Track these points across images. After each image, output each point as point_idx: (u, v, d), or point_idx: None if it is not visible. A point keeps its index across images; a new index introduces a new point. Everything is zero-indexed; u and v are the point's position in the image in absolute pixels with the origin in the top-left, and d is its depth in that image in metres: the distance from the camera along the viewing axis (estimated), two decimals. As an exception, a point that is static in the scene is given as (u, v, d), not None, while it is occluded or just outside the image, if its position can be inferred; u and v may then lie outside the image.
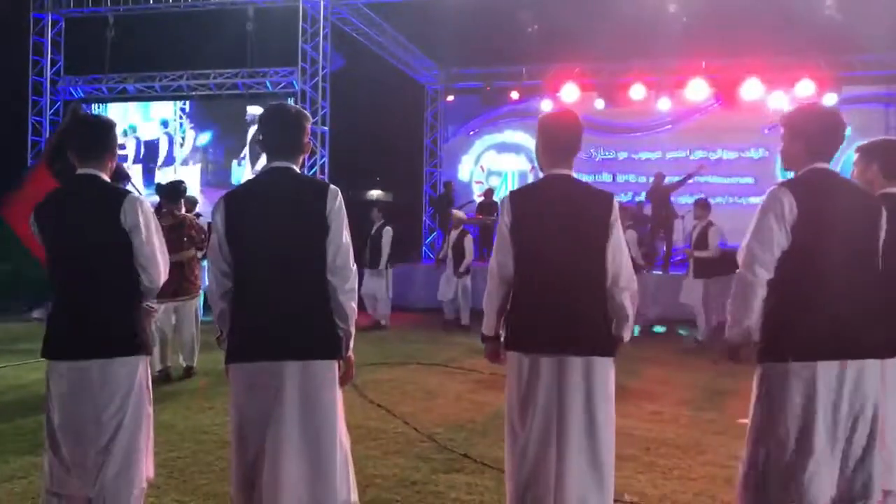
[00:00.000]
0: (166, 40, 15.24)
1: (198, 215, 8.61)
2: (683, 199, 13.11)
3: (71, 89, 15.47)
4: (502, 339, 3.21)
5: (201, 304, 7.53)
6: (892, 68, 13.95)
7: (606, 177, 15.89)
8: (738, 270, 2.96)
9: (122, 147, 14.82)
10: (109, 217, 2.99)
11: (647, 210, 13.45)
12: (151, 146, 15.62)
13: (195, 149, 15.39)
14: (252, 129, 14.63)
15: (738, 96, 13.89)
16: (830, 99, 13.12)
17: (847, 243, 2.84)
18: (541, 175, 3.24)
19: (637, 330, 8.84)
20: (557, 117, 3.34)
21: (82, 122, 3.37)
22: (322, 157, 13.83)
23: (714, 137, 15.19)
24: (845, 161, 4.58)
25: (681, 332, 10.53)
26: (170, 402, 6.10)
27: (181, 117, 15.47)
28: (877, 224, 2.92)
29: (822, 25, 11.64)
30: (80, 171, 3.10)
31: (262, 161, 3.17)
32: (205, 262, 5.98)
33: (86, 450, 2.95)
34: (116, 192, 3.08)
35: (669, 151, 15.56)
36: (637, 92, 14.28)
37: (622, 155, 16.00)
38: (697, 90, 14.09)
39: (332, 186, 2.96)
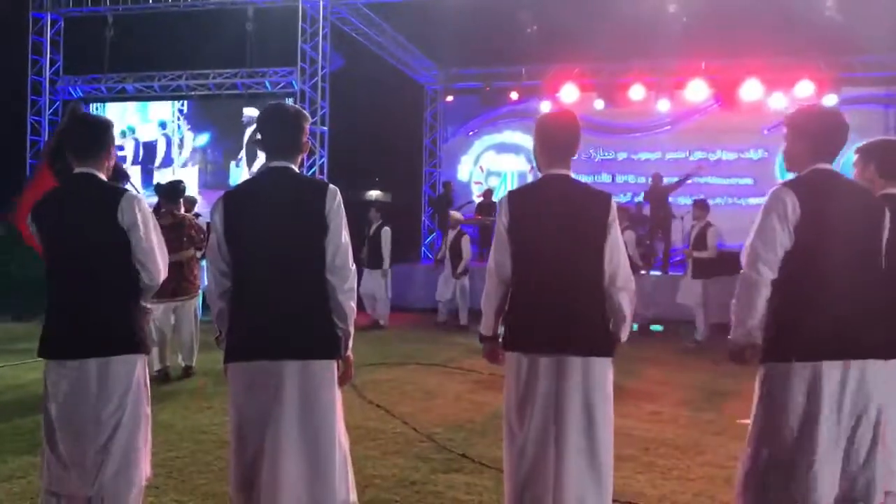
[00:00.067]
0: (165, 40, 15.25)
1: (196, 215, 8.61)
2: (683, 200, 13.11)
3: (70, 89, 15.47)
4: (501, 339, 3.21)
5: (200, 303, 7.52)
6: (892, 69, 13.94)
7: (606, 177, 15.88)
8: (741, 271, 2.96)
9: (121, 148, 14.83)
10: (107, 215, 2.99)
11: (647, 211, 13.46)
12: (150, 147, 15.64)
13: (193, 150, 15.40)
14: (248, 131, 14.65)
15: (738, 97, 13.89)
16: (830, 100, 13.11)
17: (850, 243, 2.85)
18: (539, 175, 3.24)
19: (636, 326, 8.83)
20: (555, 117, 3.34)
21: (78, 122, 3.37)
22: (321, 157, 13.83)
23: (713, 138, 15.18)
24: (844, 162, 4.57)
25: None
26: (169, 402, 6.09)
27: (179, 119, 15.48)
28: (880, 224, 2.92)
29: (822, 26, 11.64)
30: (78, 170, 3.10)
31: (259, 162, 3.17)
32: (204, 262, 5.98)
33: (84, 449, 2.94)
34: (113, 191, 3.08)
35: (669, 152, 15.55)
36: (636, 92, 14.28)
37: (622, 155, 15.99)
38: (697, 91, 14.10)
39: (331, 186, 2.96)
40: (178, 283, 7.09)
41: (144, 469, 3.10)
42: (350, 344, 3.02)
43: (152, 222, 3.11)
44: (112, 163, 3.22)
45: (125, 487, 2.99)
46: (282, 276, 2.89)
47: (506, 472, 3.13)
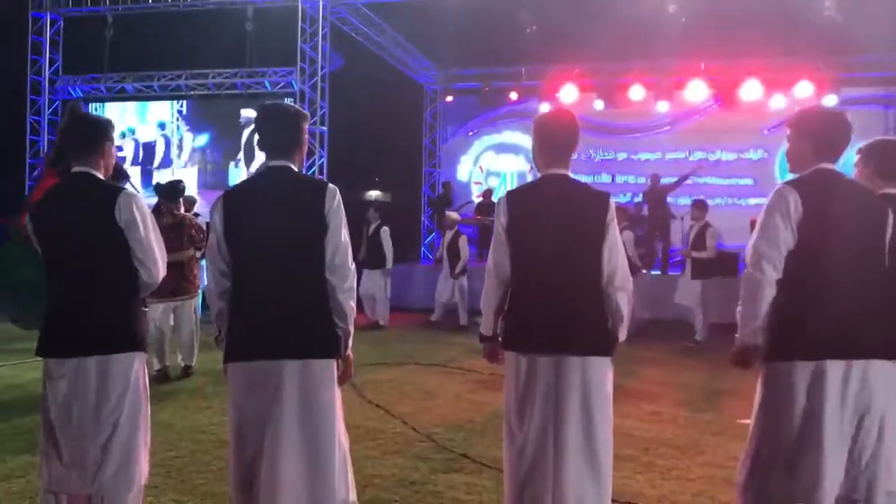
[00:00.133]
0: (165, 40, 15.26)
1: (196, 215, 8.61)
2: (683, 200, 13.12)
3: (69, 89, 15.47)
4: (500, 338, 3.21)
5: (200, 303, 7.52)
6: (892, 70, 13.95)
7: (605, 177, 15.89)
8: (745, 271, 2.96)
9: (120, 149, 14.84)
10: (104, 213, 2.98)
11: (646, 211, 13.46)
12: (149, 148, 15.65)
13: (192, 150, 15.41)
14: (246, 132, 14.66)
15: (738, 97, 13.90)
16: (830, 100, 13.12)
17: (852, 243, 2.85)
18: (538, 175, 3.24)
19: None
20: (554, 117, 3.33)
21: (76, 121, 3.37)
22: (321, 157, 13.83)
23: (713, 138, 15.19)
24: (845, 163, 4.57)
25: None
26: (168, 402, 6.09)
27: (178, 119, 15.49)
28: (883, 225, 2.93)
29: (822, 27, 11.65)
30: (75, 169, 3.10)
31: (257, 163, 3.17)
32: (204, 262, 5.97)
33: (84, 448, 2.94)
34: (110, 189, 3.08)
35: (669, 152, 15.56)
36: (636, 93, 14.29)
37: (621, 156, 16.00)
38: (696, 91, 14.11)
39: (330, 185, 2.96)
40: (179, 283, 7.09)
41: (144, 468, 3.09)
42: (350, 343, 3.01)
43: (150, 220, 3.10)
44: (111, 162, 3.22)
45: (125, 486, 2.98)
46: (281, 276, 2.89)
47: (505, 472, 3.13)
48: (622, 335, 3.13)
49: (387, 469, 4.50)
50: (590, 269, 3.04)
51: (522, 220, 3.09)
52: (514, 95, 15.68)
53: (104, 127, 3.21)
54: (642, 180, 14.78)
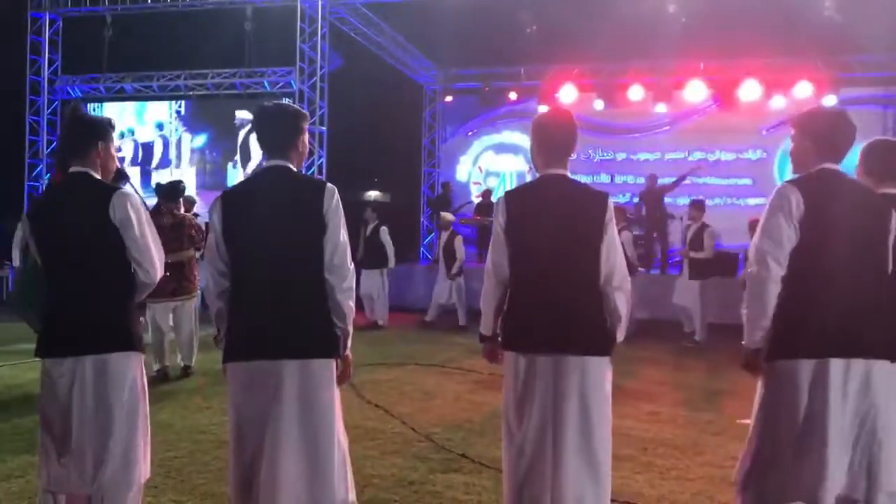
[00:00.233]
0: (164, 40, 15.26)
1: (195, 215, 8.60)
2: (682, 201, 13.12)
3: (68, 89, 15.47)
4: (499, 338, 3.21)
5: (199, 303, 7.51)
6: (891, 70, 13.95)
7: (605, 177, 15.90)
8: (749, 271, 2.96)
9: (119, 149, 14.84)
10: (99, 213, 2.98)
11: (644, 211, 13.47)
12: (148, 148, 15.66)
13: (191, 151, 15.40)
14: (242, 133, 14.67)
15: (737, 97, 13.90)
16: (829, 100, 13.11)
17: (854, 242, 2.86)
18: (536, 175, 3.24)
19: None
20: (552, 117, 3.32)
21: (72, 121, 3.37)
22: (320, 157, 13.82)
23: (712, 138, 15.20)
24: (846, 164, 4.58)
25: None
26: (167, 402, 6.09)
27: (176, 120, 15.49)
28: (887, 225, 2.93)
29: (821, 27, 11.65)
30: (72, 169, 3.10)
31: (253, 164, 3.17)
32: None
33: (82, 448, 2.94)
34: (105, 188, 3.07)
35: (668, 152, 15.57)
36: (635, 93, 14.29)
37: (620, 156, 16.01)
38: (696, 91, 14.11)
39: (328, 185, 2.96)
40: (179, 283, 7.10)
41: (143, 468, 3.09)
42: (349, 343, 3.01)
43: (146, 220, 3.09)
44: (111, 163, 3.20)
45: (125, 486, 2.98)
46: (280, 276, 2.89)
47: (504, 472, 3.13)
48: (620, 335, 3.13)
49: (386, 469, 4.50)
50: (589, 269, 3.03)
51: (521, 220, 3.09)
52: (513, 95, 15.68)
53: (101, 127, 3.19)
54: (641, 180, 14.76)
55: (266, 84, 14.53)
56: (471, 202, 15.99)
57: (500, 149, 16.91)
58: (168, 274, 6.61)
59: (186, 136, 15.48)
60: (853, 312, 2.82)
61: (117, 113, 15.44)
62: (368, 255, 10.98)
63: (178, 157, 15.49)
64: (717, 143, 15.22)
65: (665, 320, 10.53)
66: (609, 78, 14.88)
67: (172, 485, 4.20)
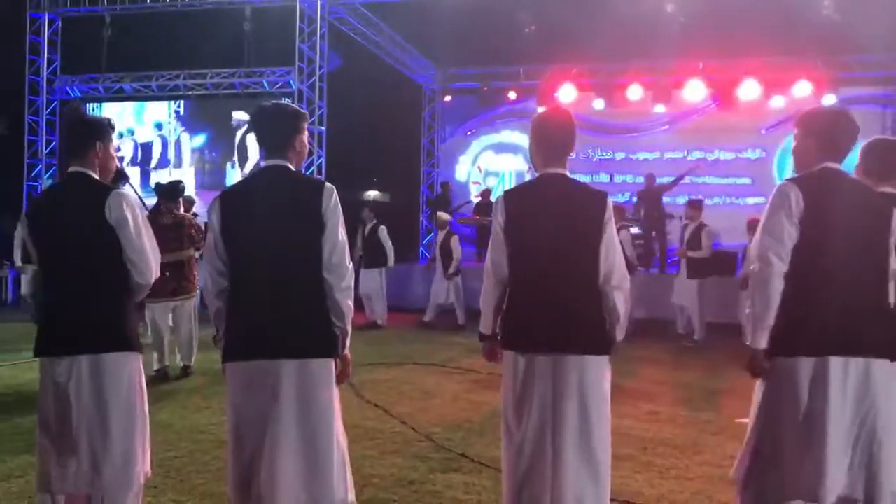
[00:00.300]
0: (163, 40, 15.25)
1: (195, 215, 8.60)
2: (682, 200, 13.11)
3: (67, 89, 15.47)
4: (499, 337, 3.21)
5: (199, 303, 7.51)
6: (890, 69, 13.97)
7: (604, 177, 15.90)
8: (751, 269, 2.96)
9: (118, 150, 14.83)
10: (95, 213, 2.98)
11: (642, 211, 13.47)
12: (147, 148, 15.66)
13: (190, 150, 15.40)
14: (239, 133, 14.67)
15: (736, 97, 13.92)
16: (828, 100, 13.12)
17: (854, 240, 2.87)
18: (536, 174, 3.24)
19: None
20: (551, 116, 3.32)
21: (70, 121, 3.38)
22: (319, 157, 13.82)
23: (711, 138, 15.21)
24: (847, 164, 4.59)
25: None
26: (167, 402, 6.09)
27: (175, 120, 15.49)
28: (886, 224, 2.93)
29: (820, 26, 11.65)
30: (70, 169, 3.11)
31: (250, 164, 3.17)
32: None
33: (81, 448, 2.94)
34: (102, 188, 3.07)
35: (667, 152, 15.57)
36: (634, 92, 14.30)
37: (619, 155, 16.01)
38: (695, 91, 14.13)
39: (327, 184, 2.96)
40: (178, 283, 7.10)
41: (143, 468, 3.10)
42: (348, 342, 3.01)
43: (142, 220, 3.09)
44: (111, 163, 3.20)
45: (125, 486, 2.98)
46: (279, 275, 2.89)
47: (504, 471, 3.13)
48: (620, 334, 3.13)
49: (385, 469, 4.50)
50: (588, 269, 3.03)
51: (520, 219, 3.09)
52: (512, 95, 15.68)
53: (98, 127, 3.19)
54: (640, 180, 14.77)
55: (265, 84, 14.53)
56: (470, 202, 15.98)
57: (499, 148, 16.91)
58: (168, 274, 6.63)
59: (185, 136, 15.48)
60: (853, 311, 2.83)
61: (116, 113, 15.44)
62: (367, 255, 10.98)
63: (178, 156, 15.50)
64: (716, 142, 15.22)
65: (664, 319, 10.53)
66: (608, 77, 14.89)
67: (172, 485, 4.19)
